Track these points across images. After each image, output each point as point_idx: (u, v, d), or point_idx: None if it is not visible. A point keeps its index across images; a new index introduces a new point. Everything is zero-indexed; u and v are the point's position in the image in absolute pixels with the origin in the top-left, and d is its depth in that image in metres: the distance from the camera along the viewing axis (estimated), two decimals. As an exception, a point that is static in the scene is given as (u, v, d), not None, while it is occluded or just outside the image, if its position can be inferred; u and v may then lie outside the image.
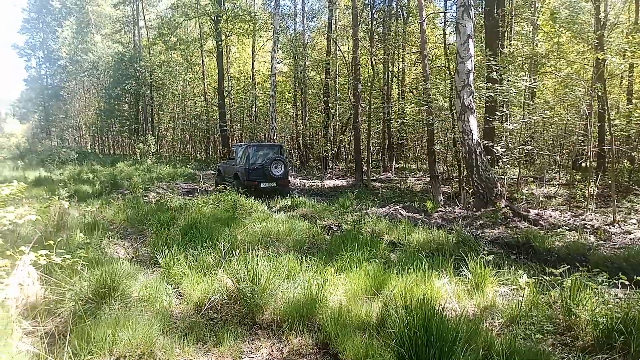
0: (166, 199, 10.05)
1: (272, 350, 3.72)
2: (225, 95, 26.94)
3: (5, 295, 3.85)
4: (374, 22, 20.79)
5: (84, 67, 38.95)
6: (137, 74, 31.48)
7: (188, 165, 22.56)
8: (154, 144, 26.72)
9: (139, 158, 25.15)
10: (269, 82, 24.35)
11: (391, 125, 21.66)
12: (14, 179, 5.56)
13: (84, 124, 45.65)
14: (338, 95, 24.76)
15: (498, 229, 8.08)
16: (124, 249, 6.73)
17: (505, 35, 14.94)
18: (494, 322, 4.14)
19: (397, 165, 23.07)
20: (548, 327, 3.83)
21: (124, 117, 33.97)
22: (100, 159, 26.11)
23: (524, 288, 4.28)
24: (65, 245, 5.26)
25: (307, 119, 25.28)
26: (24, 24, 50.65)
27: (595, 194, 10.08)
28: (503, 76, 11.15)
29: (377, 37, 21.07)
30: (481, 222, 8.53)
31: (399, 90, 24.73)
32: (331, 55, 23.71)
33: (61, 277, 4.46)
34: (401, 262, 5.60)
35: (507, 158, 10.34)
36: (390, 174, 20.47)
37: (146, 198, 11.34)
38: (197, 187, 13.69)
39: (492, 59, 11.11)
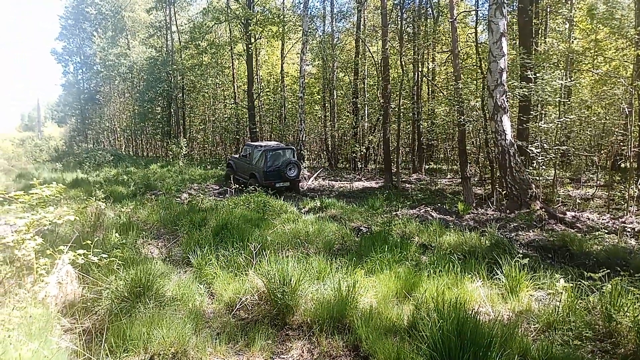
0: (198, 200, 10.22)
1: (303, 352, 3.71)
2: (255, 97, 27.20)
3: (45, 293, 3.99)
4: (404, 22, 20.59)
5: (120, 71, 40.06)
6: (169, 77, 32.16)
7: (219, 167, 22.85)
8: (186, 146, 27.24)
9: (171, 160, 25.67)
10: (298, 83, 24.46)
11: (421, 126, 21.42)
12: (53, 181, 5.75)
13: (118, 127, 46.91)
14: (367, 96, 24.65)
15: (533, 231, 7.86)
16: (158, 248, 6.88)
17: (540, 32, 14.57)
18: (530, 327, 4.03)
19: (427, 167, 22.79)
20: (587, 333, 3.70)
21: (156, 120, 34.73)
22: (134, 161, 26.78)
23: (561, 292, 4.15)
24: (101, 245, 5.40)
25: (335, 120, 25.26)
26: (61, 31, 52.45)
27: (635, 195, 9.70)
28: (537, 75, 10.87)
29: (406, 37, 20.88)
30: (515, 224, 8.32)
31: (428, 90, 24.44)
32: (360, 56, 23.62)
33: (98, 275, 4.58)
34: (432, 265, 5.51)
35: (541, 159, 10.05)
36: (420, 175, 20.23)
37: (178, 199, 11.56)
38: (228, 188, 13.86)
39: (525, 57, 10.85)
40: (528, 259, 5.16)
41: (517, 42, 13.77)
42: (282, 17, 24.70)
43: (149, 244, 7.03)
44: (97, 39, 43.33)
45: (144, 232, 7.48)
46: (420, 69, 21.42)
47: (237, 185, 13.31)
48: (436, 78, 23.39)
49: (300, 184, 15.64)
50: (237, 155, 17.62)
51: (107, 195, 10.50)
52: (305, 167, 20.44)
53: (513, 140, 9.80)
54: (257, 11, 25.60)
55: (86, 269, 4.68)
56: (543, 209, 8.97)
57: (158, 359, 3.40)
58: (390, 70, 17.80)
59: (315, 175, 18.77)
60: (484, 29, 19.15)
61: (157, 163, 24.51)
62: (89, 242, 4.71)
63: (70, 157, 26.88)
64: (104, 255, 4.52)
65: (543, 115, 11.57)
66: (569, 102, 13.02)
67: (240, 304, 4.42)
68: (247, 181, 14.70)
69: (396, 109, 19.52)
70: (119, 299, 4.27)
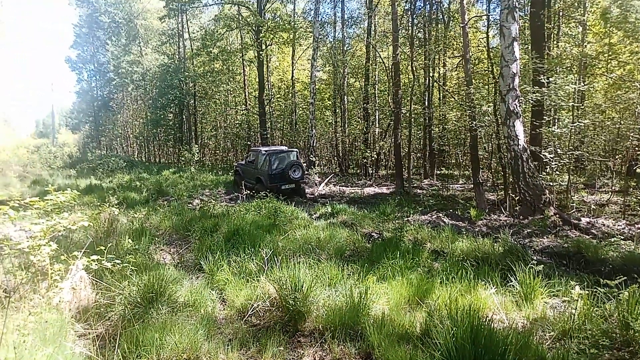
0: (209, 206, 10.26)
1: (315, 359, 3.70)
2: (266, 103, 27.35)
3: (59, 299, 4.03)
4: (414, 27, 20.58)
5: (133, 78, 40.57)
6: (181, 84, 32.50)
7: (230, 173, 22.95)
8: (197, 152, 27.44)
9: (183, 166, 25.86)
10: (309, 89, 24.56)
11: (432, 131, 21.33)
12: (67, 187, 5.83)
13: (131, 133, 47.42)
14: (377, 101, 24.64)
15: (547, 237, 7.76)
16: (170, 254, 6.92)
17: (552, 36, 14.45)
18: (545, 335, 3.96)
19: (438, 172, 22.66)
20: (604, 341, 3.62)
21: (168, 126, 35.06)
22: (147, 167, 27.02)
23: (577, 300, 4.08)
24: (114, 251, 5.45)
25: (346, 126, 25.27)
26: (75, 39, 53.35)
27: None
28: (550, 79, 10.77)
29: (417, 42, 20.86)
30: (529, 230, 8.22)
31: (440, 95, 24.36)
32: (371, 62, 23.64)
33: (111, 281, 4.62)
34: (445, 271, 5.47)
35: (555, 164, 9.93)
36: (431, 180, 20.12)
37: (190, 205, 11.62)
38: (239, 194, 13.91)
39: (538, 61, 10.76)
40: (542, 265, 5.09)
41: (530, 47, 13.67)
42: (293, 23, 24.84)
43: (161, 250, 7.07)
44: (111, 46, 43.92)
45: (156, 238, 7.54)
46: (431, 74, 21.37)
47: (248, 191, 13.44)
48: (447, 83, 23.31)
49: (311, 190, 16.09)
50: (243, 162, 18.00)
51: (120, 202, 10.60)
52: (316, 173, 20.45)
53: (526, 146, 9.71)
54: (268, 18, 25.78)
55: (100, 275, 4.72)
56: (557, 215, 8.85)
57: (170, 365, 3.41)
58: (401, 76, 17.79)
59: (326, 181, 18.77)
60: (495, 34, 19.07)
61: (169, 169, 24.72)
62: (102, 247, 4.75)
63: (84, 163, 27.17)
64: (117, 261, 4.56)
65: (556, 120, 11.46)
66: (582, 107, 12.86)
67: (252, 310, 4.43)
68: (255, 185, 15.05)
69: (407, 115, 19.47)
70: (131, 304, 4.30)
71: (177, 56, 35.21)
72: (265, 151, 15.38)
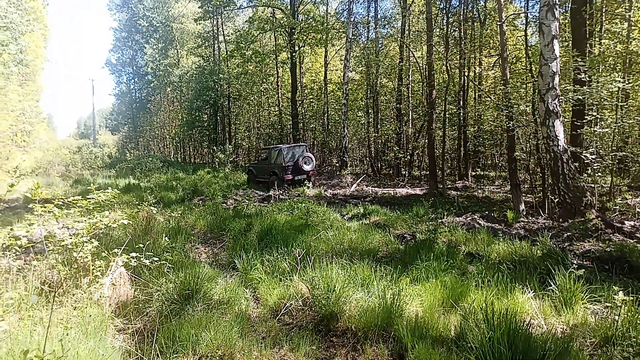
0: (243, 206, 10.40)
1: (347, 359, 3.69)
2: (298, 104, 27.50)
3: (100, 294, 4.17)
4: (449, 26, 20.24)
5: (169, 79, 41.61)
6: (216, 86, 33.08)
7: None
8: (231, 153, 27.87)
9: (217, 166, 26.32)
10: (341, 90, 24.52)
11: (467, 132, 20.93)
12: (107, 186, 6.03)
13: (167, 134, 48.62)
14: (411, 101, 24.37)
15: (588, 241, 7.48)
16: (205, 253, 7.05)
17: (594, 34, 13.92)
18: (586, 341, 3.82)
19: (473, 173, 22.21)
20: (649, 349, 3.46)
21: (203, 127, 35.74)
22: (182, 167, 27.64)
23: (620, 306, 3.91)
24: (152, 249, 5.60)
25: (379, 126, 25.11)
26: (115, 43, 55.23)
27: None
28: (592, 77, 10.38)
29: (452, 41, 20.51)
30: (569, 233, 7.95)
31: (475, 95, 23.88)
32: (404, 62, 23.41)
33: (149, 278, 4.74)
34: (480, 274, 5.34)
35: (597, 165, 9.57)
36: (466, 182, 19.73)
37: (224, 205, 11.82)
38: (272, 194, 14.04)
39: (579, 59, 10.38)
40: (583, 270, 4.90)
41: (570, 45, 13.22)
42: (325, 24, 24.89)
43: (196, 248, 7.22)
44: (149, 49, 45.16)
45: (191, 237, 7.70)
46: (466, 74, 20.97)
47: (280, 190, 13.89)
48: (483, 82, 22.82)
49: (343, 190, 16.56)
50: (255, 162, 20.34)
51: (157, 201, 10.89)
52: (348, 174, 20.44)
53: (566, 146, 9.40)
54: (301, 20, 25.92)
55: (138, 272, 4.86)
56: (599, 218, 8.52)
57: (206, 360, 3.48)
58: (435, 75, 17.54)
59: (359, 181, 18.70)
60: (534, 32, 18.55)
61: (204, 169, 25.19)
62: (140, 245, 4.89)
63: (123, 163, 28.06)
64: (155, 259, 4.68)
65: (598, 120, 11.00)
66: (626, 106, 12.34)
67: (285, 309, 4.46)
68: (269, 179, 16.77)
69: (441, 115, 19.17)
70: (168, 301, 4.40)
71: (212, 58, 35.88)
72: (278, 147, 17.00)
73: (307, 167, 16.22)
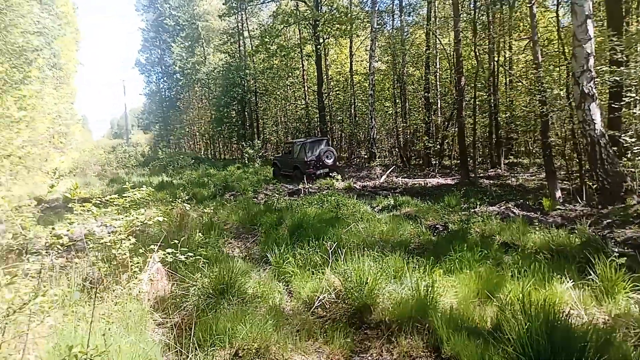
0: (273, 200, 10.49)
1: (382, 352, 3.69)
2: (325, 97, 27.44)
3: (139, 290, 4.29)
4: (477, 11, 19.73)
5: (197, 77, 42.20)
6: (243, 81, 33.34)
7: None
8: (260, 148, 28.09)
9: (246, 161, 26.60)
10: (368, 81, 24.31)
11: (499, 118, 20.42)
12: (141, 184, 6.17)
13: (197, 131, 49.38)
14: (439, 90, 23.95)
15: (630, 228, 7.20)
16: (238, 247, 7.16)
17: (631, 11, 13.30)
18: (629, 332, 3.69)
19: (506, 161, 21.68)
20: (698, 340, 3.32)
21: (232, 123, 36.10)
22: (213, 164, 28.04)
23: (666, 295, 3.77)
24: (187, 244, 5.72)
25: (407, 116, 24.81)
26: (144, 44, 56.31)
27: None
28: (629, 57, 9.94)
29: (480, 26, 19.99)
30: (609, 221, 7.68)
31: (506, 80, 23.26)
32: (431, 49, 22.98)
33: (185, 273, 4.85)
34: (516, 265, 5.23)
35: (637, 149, 9.17)
36: (499, 170, 19.30)
37: (255, 199, 11.94)
38: (301, 187, 14.11)
39: (615, 39, 9.95)
40: (625, 258, 4.72)
41: (605, 24, 12.69)
42: (350, 15, 24.68)
43: (229, 243, 7.34)
44: (176, 48, 45.84)
45: (224, 232, 7.83)
46: (496, 59, 20.43)
47: (309, 184, 14.04)
48: (514, 67, 22.18)
49: (372, 182, 16.72)
50: (279, 155, 20.75)
51: (190, 197, 11.09)
52: (377, 165, 20.30)
53: (604, 130, 9.06)
54: (325, 11, 25.78)
55: (174, 267, 4.97)
56: (641, 204, 8.20)
57: (242, 353, 3.54)
58: (463, 62, 17.16)
59: (388, 172, 18.56)
60: (566, 12, 17.88)
61: (234, 165, 25.51)
62: (175, 241, 5.00)
63: (156, 161, 28.66)
64: (190, 254, 4.77)
65: (637, 102, 10.52)
66: (668, 85, 11.77)
67: (318, 302, 4.48)
68: (293, 172, 17.23)
69: (471, 102, 18.77)
70: (204, 295, 4.50)
71: (238, 54, 36.15)
72: (301, 141, 17.55)
73: (328, 161, 16.82)
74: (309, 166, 16.49)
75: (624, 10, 12.14)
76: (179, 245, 4.89)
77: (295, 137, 33.44)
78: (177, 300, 4.52)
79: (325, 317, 4.31)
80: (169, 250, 4.65)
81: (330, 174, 16.72)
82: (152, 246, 4.78)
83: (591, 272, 4.64)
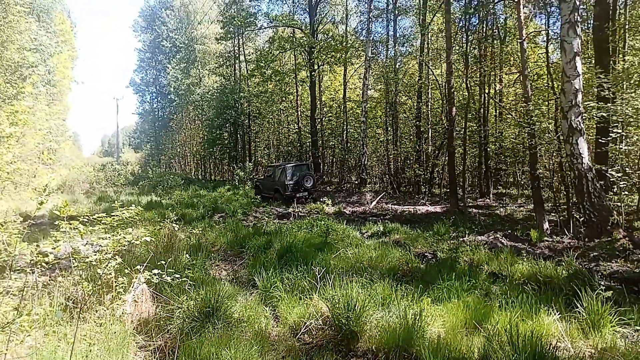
0: (262, 224, 10.44)
1: (368, 380, 3.63)
2: (318, 122, 27.68)
3: (122, 311, 4.21)
4: (469, 44, 20.24)
5: (191, 98, 42.48)
6: (237, 104, 33.60)
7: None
8: (251, 170, 28.09)
9: (237, 183, 26.55)
10: (360, 108, 24.61)
11: (488, 149, 20.72)
12: (130, 203, 6.12)
13: (189, 152, 49.41)
14: (430, 119, 24.30)
15: (615, 262, 7.27)
16: (225, 270, 7.07)
17: (617, 50, 13.73)
18: (616, 367, 3.69)
19: (495, 191, 21.90)
20: (684, 377, 3.32)
21: (224, 145, 36.21)
22: (203, 185, 27.95)
23: (652, 330, 3.78)
24: (173, 265, 5.64)
25: (398, 143, 25.06)
26: (139, 64, 56.78)
27: None
28: (616, 94, 10.21)
29: (472, 58, 20.46)
30: (595, 253, 7.74)
31: (496, 112, 23.69)
32: (423, 79, 23.43)
33: (170, 295, 4.77)
34: (504, 295, 5.23)
35: (623, 183, 9.33)
36: (487, 200, 19.47)
37: (244, 222, 11.87)
38: (291, 211, 14.06)
39: (602, 76, 10.24)
40: (611, 291, 4.75)
41: (593, 62, 13.06)
42: (345, 43, 25.14)
43: (217, 266, 7.25)
44: (171, 69, 46.23)
45: (212, 254, 7.74)
46: (486, 91, 20.86)
47: (298, 207, 14.17)
48: (504, 100, 22.64)
49: (362, 208, 16.90)
50: (262, 177, 21.73)
51: (179, 218, 11.00)
52: (367, 191, 20.40)
53: (591, 164, 9.23)
54: (321, 39, 26.25)
55: (160, 289, 4.89)
56: (627, 238, 8.29)
57: (226, 379, 3.46)
58: (455, 93, 17.49)
59: (378, 199, 18.62)
60: (555, 49, 18.41)
61: (224, 186, 25.42)
62: (162, 262, 4.93)
63: (145, 181, 28.48)
64: (176, 276, 4.71)
65: (624, 137, 10.76)
66: (653, 123, 12.06)
67: (305, 328, 4.42)
68: (273, 195, 18.01)
69: (461, 132, 19.05)
70: (189, 318, 4.41)
71: (233, 77, 36.52)
72: (282, 165, 18.49)
73: (307, 185, 17.64)
74: (288, 189, 17.40)
75: (610, 48, 12.52)
76: (166, 266, 4.83)
77: (287, 160, 33.59)
78: (161, 322, 4.43)
79: (312, 344, 4.25)
80: (155, 271, 4.58)
81: (308, 197, 17.71)
82: (138, 266, 4.72)
83: (578, 305, 4.65)
